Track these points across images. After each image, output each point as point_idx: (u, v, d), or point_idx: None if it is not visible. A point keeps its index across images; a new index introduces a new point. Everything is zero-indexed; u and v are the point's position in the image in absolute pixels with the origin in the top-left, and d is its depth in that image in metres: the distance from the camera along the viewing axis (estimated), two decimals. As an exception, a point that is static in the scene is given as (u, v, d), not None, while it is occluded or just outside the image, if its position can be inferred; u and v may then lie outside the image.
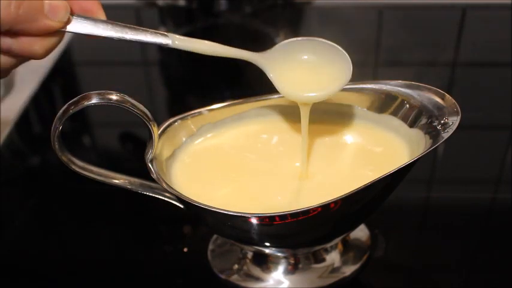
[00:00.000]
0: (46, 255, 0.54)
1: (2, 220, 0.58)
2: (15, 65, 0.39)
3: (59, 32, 0.38)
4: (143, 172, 0.43)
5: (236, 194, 0.45)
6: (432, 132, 0.42)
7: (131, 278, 0.51)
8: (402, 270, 0.51)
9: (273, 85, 0.44)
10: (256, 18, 0.89)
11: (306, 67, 0.44)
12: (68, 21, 0.38)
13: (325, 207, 0.38)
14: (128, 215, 0.59)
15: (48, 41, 0.38)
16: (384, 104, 0.47)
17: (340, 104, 0.49)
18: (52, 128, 0.40)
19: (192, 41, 0.41)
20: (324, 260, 0.49)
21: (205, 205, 0.40)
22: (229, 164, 0.48)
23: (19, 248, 0.55)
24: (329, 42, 0.43)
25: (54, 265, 0.53)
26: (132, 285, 0.51)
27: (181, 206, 0.45)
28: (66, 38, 0.43)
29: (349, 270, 0.49)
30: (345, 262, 0.49)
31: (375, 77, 0.77)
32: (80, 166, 0.43)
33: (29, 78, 0.77)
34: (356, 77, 0.45)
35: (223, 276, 0.49)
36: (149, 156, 0.43)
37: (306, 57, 0.44)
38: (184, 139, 0.48)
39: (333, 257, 0.49)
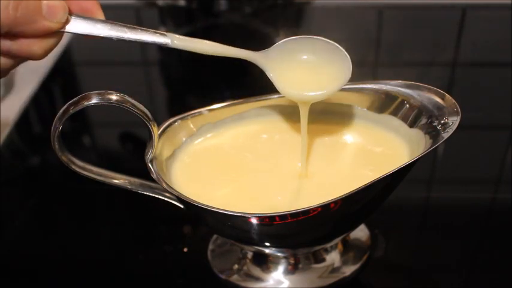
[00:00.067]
0: (46, 255, 0.54)
1: (2, 220, 0.58)
2: (14, 66, 0.39)
3: (58, 33, 0.38)
4: (143, 172, 0.43)
5: (236, 194, 0.45)
6: (432, 132, 0.42)
7: (131, 278, 0.51)
8: (402, 270, 0.51)
9: (273, 85, 0.44)
10: (256, 18, 0.89)
11: (305, 66, 0.44)
12: (67, 22, 0.38)
13: (325, 207, 0.38)
14: (128, 215, 0.59)
15: (47, 42, 0.38)
16: (384, 104, 0.47)
17: (340, 104, 0.49)
18: (52, 128, 0.40)
19: (192, 40, 0.41)
20: (324, 260, 0.49)
21: (205, 205, 0.40)
22: (229, 164, 0.48)
23: (19, 248, 0.55)
24: (329, 40, 0.43)
25: (54, 265, 0.53)
26: (132, 285, 0.51)
27: (181, 206, 0.45)
28: (65, 38, 0.43)
29: (349, 270, 0.49)
30: (345, 262, 0.49)
31: (375, 77, 0.77)
32: (80, 166, 0.43)
33: (29, 78, 0.77)
34: (356, 77, 0.45)
35: (223, 276, 0.49)
36: (149, 156, 0.43)
37: (305, 56, 0.44)
38: (184, 139, 0.48)
39: (333, 257, 0.49)
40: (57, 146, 0.41)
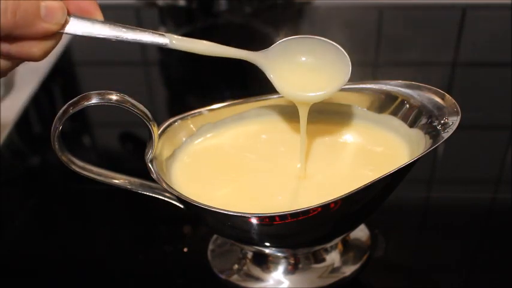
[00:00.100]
0: (46, 255, 0.54)
1: (2, 220, 0.58)
2: (14, 67, 0.39)
3: (57, 34, 0.38)
4: (143, 172, 0.43)
5: (236, 194, 0.45)
6: (432, 132, 0.42)
7: (131, 278, 0.51)
8: (402, 270, 0.51)
9: (272, 85, 0.44)
10: (256, 18, 0.89)
11: (305, 67, 0.44)
12: (65, 23, 0.38)
13: (325, 207, 0.38)
14: (128, 215, 0.59)
15: (46, 44, 0.38)
16: (384, 104, 0.47)
17: (340, 104, 0.49)
18: (52, 128, 0.40)
19: (190, 41, 0.41)
20: (324, 260, 0.49)
21: (205, 205, 0.40)
22: (229, 164, 0.48)
23: (19, 248, 0.55)
24: (328, 40, 0.43)
25: (54, 265, 0.53)
26: (132, 285, 0.51)
27: (181, 206, 0.45)
28: (65, 38, 0.43)
29: (349, 270, 0.49)
30: (345, 262, 0.49)
31: (375, 77, 0.77)
32: (80, 166, 0.43)
33: (29, 78, 0.77)
34: (356, 77, 0.45)
35: (223, 276, 0.49)
36: (149, 156, 0.43)
37: (305, 56, 0.44)
38: (184, 139, 0.48)
39: (333, 257, 0.49)
40: (57, 146, 0.41)
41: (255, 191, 0.45)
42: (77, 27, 0.38)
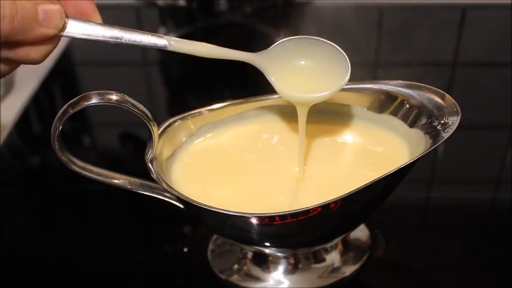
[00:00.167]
0: (46, 255, 0.54)
1: (2, 220, 0.58)
2: (13, 69, 0.39)
3: (55, 37, 0.38)
4: (143, 172, 0.43)
5: (236, 194, 0.45)
6: (432, 132, 0.42)
7: (131, 278, 0.51)
8: (402, 270, 0.51)
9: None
10: (256, 18, 0.89)
11: (304, 68, 0.44)
12: (64, 27, 0.38)
13: (325, 207, 0.38)
14: (128, 215, 0.59)
15: (45, 47, 0.37)
16: (384, 104, 0.47)
17: (340, 104, 0.48)
18: (52, 128, 0.40)
19: (189, 43, 0.41)
20: (324, 260, 0.49)
21: (205, 205, 0.40)
22: (229, 164, 0.48)
23: (19, 248, 0.55)
24: (327, 41, 0.43)
25: (54, 265, 0.53)
26: (132, 285, 0.51)
27: (181, 206, 0.45)
28: (65, 39, 0.43)
29: (349, 270, 0.49)
30: (345, 262, 0.49)
31: (375, 77, 0.77)
32: (80, 166, 0.43)
33: (29, 78, 0.77)
34: (356, 77, 0.45)
35: (223, 276, 0.49)
36: (149, 156, 0.43)
37: (304, 57, 0.44)
38: (184, 139, 0.48)
39: (333, 257, 0.49)
40: (57, 146, 0.41)
41: (255, 191, 0.45)
42: (75, 30, 0.38)
